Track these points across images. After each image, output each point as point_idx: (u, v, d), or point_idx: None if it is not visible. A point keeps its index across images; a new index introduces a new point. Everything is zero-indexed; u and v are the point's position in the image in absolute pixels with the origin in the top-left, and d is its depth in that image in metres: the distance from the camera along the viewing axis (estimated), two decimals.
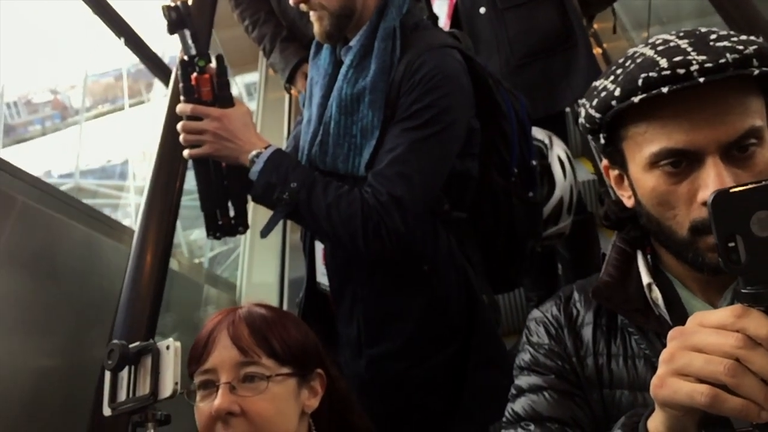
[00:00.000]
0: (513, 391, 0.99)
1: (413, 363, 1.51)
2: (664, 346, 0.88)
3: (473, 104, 1.45)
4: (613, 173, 0.96)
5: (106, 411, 0.94)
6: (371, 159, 1.39)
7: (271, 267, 3.13)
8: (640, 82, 0.83)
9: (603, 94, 0.88)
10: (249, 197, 1.46)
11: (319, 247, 1.57)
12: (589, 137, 0.97)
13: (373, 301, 1.50)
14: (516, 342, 1.12)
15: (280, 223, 3.08)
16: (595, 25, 2.87)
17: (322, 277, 1.59)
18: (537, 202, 1.63)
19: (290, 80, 2.55)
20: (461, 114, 1.40)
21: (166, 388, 0.90)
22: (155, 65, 2.84)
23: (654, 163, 0.86)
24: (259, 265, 3.08)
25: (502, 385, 1.52)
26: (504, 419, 0.98)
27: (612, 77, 0.88)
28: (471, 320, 1.52)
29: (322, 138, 1.45)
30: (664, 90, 0.81)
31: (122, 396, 0.92)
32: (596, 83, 0.92)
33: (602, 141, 0.93)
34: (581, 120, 0.95)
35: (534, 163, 1.62)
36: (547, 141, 1.78)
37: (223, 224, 1.47)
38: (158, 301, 1.58)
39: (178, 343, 0.94)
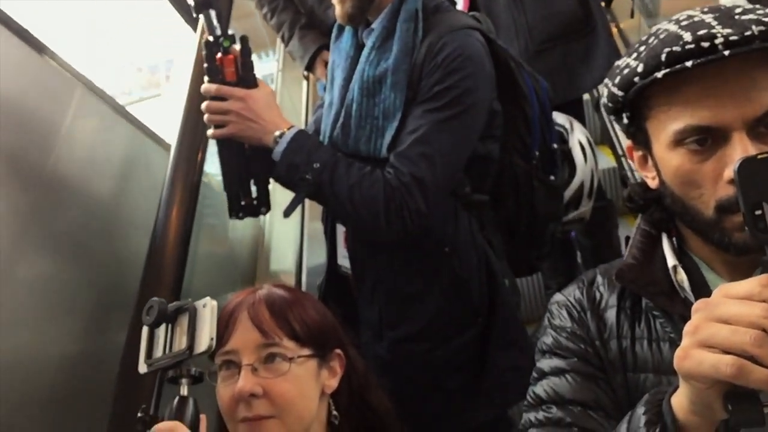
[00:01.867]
0: (534, 374, 0.98)
1: (434, 345, 1.52)
2: None
3: (495, 86, 1.45)
4: (637, 154, 0.95)
5: (142, 368, 0.95)
6: (393, 141, 1.39)
7: (289, 255, 3.14)
8: (663, 56, 0.82)
9: (626, 71, 0.87)
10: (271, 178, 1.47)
11: (340, 230, 1.58)
12: (613, 118, 0.95)
13: (394, 283, 1.51)
14: (535, 329, 1.12)
15: (299, 210, 3.09)
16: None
17: (343, 260, 1.59)
18: (558, 185, 1.62)
19: (309, 67, 2.55)
20: (483, 95, 1.40)
21: (202, 343, 0.91)
22: (185, 12, 2.83)
23: (678, 141, 0.85)
24: (276, 253, 3.09)
25: (523, 367, 1.52)
26: (525, 402, 0.97)
27: (635, 54, 0.87)
28: (492, 302, 1.52)
29: (344, 120, 1.46)
30: (688, 64, 0.80)
31: (158, 353, 0.94)
32: (618, 62, 0.91)
33: (625, 120, 0.92)
34: (604, 100, 0.94)
35: (555, 146, 1.62)
36: (567, 125, 1.78)
37: (246, 205, 1.48)
38: (179, 286, 1.59)
39: (215, 302, 0.95)
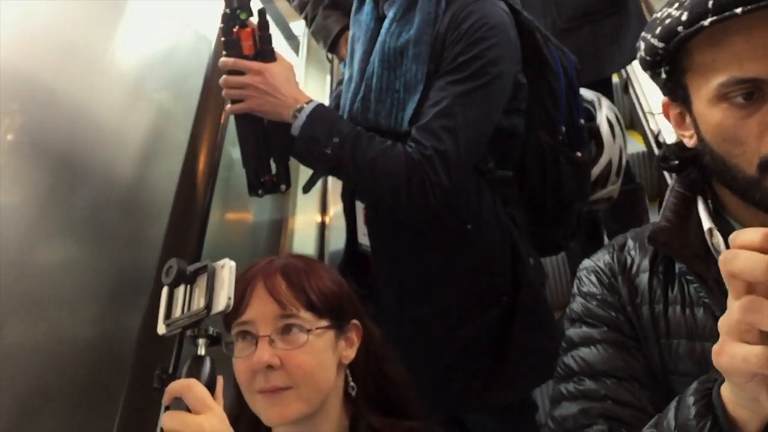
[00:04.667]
0: (564, 344, 0.95)
1: (456, 325, 1.49)
2: (725, 293, 0.84)
3: (520, 57, 1.41)
4: (674, 111, 0.89)
5: (161, 329, 0.94)
6: (415, 114, 1.35)
7: (311, 240, 3.13)
8: (710, 4, 0.76)
9: (667, 21, 0.81)
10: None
11: (360, 207, 1.55)
12: (648, 73, 0.90)
13: (415, 261, 1.48)
14: (561, 315, 1.08)
15: (322, 195, 3.06)
16: None
17: (363, 238, 1.57)
18: (585, 162, 1.57)
19: (332, 48, 2.51)
20: (508, 66, 1.36)
21: (220, 302, 0.90)
22: None
23: (722, 95, 0.79)
24: (299, 237, 3.07)
25: (548, 348, 1.50)
26: (556, 373, 0.94)
27: (676, 4, 0.82)
28: (516, 282, 1.48)
29: (364, 94, 1.43)
30: (738, 11, 0.74)
31: (177, 313, 0.93)
32: (657, 14, 0.85)
33: (663, 75, 0.87)
34: (640, 54, 0.88)
35: (582, 121, 1.57)
36: (595, 102, 1.72)
37: (266, 182, 1.46)
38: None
39: (233, 263, 0.94)
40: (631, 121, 3.21)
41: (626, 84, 2.83)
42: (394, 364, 1.15)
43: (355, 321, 1.11)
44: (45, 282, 1.47)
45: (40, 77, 1.56)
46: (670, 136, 0.99)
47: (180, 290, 0.94)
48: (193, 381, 0.86)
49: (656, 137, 0.98)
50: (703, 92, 0.82)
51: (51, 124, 1.57)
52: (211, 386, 0.88)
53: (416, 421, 1.10)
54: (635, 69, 2.77)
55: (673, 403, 0.74)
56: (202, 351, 0.91)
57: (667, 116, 0.91)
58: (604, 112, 1.70)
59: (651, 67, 0.88)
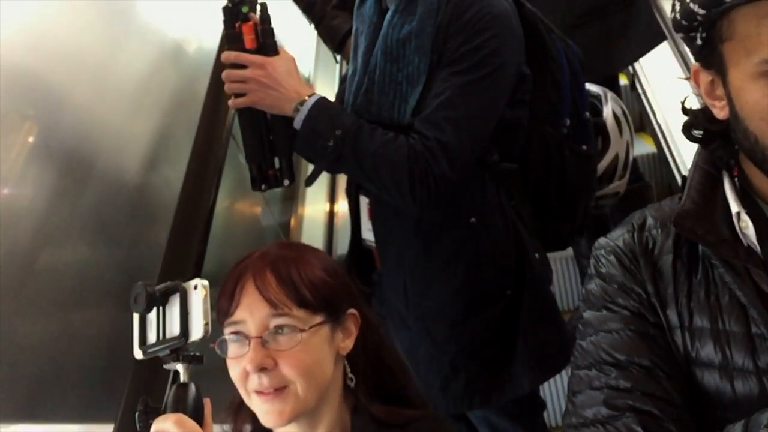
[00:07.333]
0: (581, 326, 0.89)
1: (461, 319, 1.47)
2: (753, 280, 0.79)
3: (523, 48, 1.39)
4: (705, 79, 0.83)
5: (138, 354, 0.91)
6: (418, 105, 1.34)
7: (320, 243, 3.12)
8: None
9: None
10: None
11: (364, 202, 1.54)
12: (680, 35, 0.85)
13: (419, 255, 1.47)
14: (570, 319, 1.05)
15: (329, 197, 3.05)
16: None
17: (367, 233, 1.56)
18: (591, 155, 1.55)
19: (339, 49, 2.51)
20: (511, 57, 1.35)
21: (197, 329, 0.87)
22: None
23: (765, 71, 0.74)
24: (307, 241, 3.07)
25: (554, 342, 1.48)
26: (573, 357, 0.89)
27: None
28: (521, 276, 1.47)
29: (367, 87, 1.42)
30: None
31: (152, 338, 0.90)
32: None
33: (698, 42, 0.82)
34: (675, 15, 0.82)
35: (587, 114, 1.55)
36: (601, 96, 1.71)
37: (269, 176, 1.45)
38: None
39: (206, 282, 0.91)
40: (641, 122, 3.19)
41: (633, 81, 2.80)
42: (392, 351, 1.13)
43: (351, 310, 1.07)
44: (52, 282, 1.47)
45: (51, 81, 1.57)
46: (679, 134, 0.94)
47: (152, 313, 0.91)
48: (180, 417, 0.83)
49: (683, 103, 0.91)
50: (742, 65, 0.77)
51: (60, 127, 1.58)
52: (197, 415, 0.85)
53: (417, 410, 1.07)
54: (643, 66, 2.74)
55: (739, 427, 0.70)
56: (184, 378, 0.88)
57: (696, 83, 0.85)
58: (610, 106, 1.68)
59: (685, 30, 0.83)
